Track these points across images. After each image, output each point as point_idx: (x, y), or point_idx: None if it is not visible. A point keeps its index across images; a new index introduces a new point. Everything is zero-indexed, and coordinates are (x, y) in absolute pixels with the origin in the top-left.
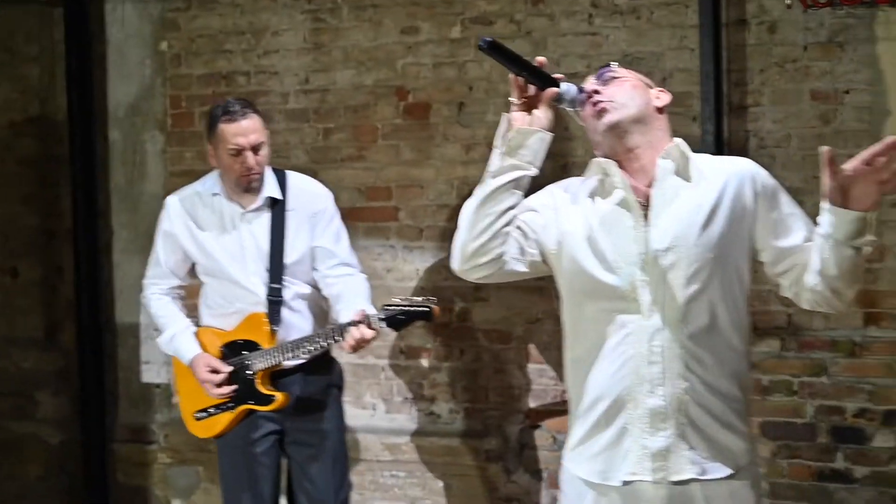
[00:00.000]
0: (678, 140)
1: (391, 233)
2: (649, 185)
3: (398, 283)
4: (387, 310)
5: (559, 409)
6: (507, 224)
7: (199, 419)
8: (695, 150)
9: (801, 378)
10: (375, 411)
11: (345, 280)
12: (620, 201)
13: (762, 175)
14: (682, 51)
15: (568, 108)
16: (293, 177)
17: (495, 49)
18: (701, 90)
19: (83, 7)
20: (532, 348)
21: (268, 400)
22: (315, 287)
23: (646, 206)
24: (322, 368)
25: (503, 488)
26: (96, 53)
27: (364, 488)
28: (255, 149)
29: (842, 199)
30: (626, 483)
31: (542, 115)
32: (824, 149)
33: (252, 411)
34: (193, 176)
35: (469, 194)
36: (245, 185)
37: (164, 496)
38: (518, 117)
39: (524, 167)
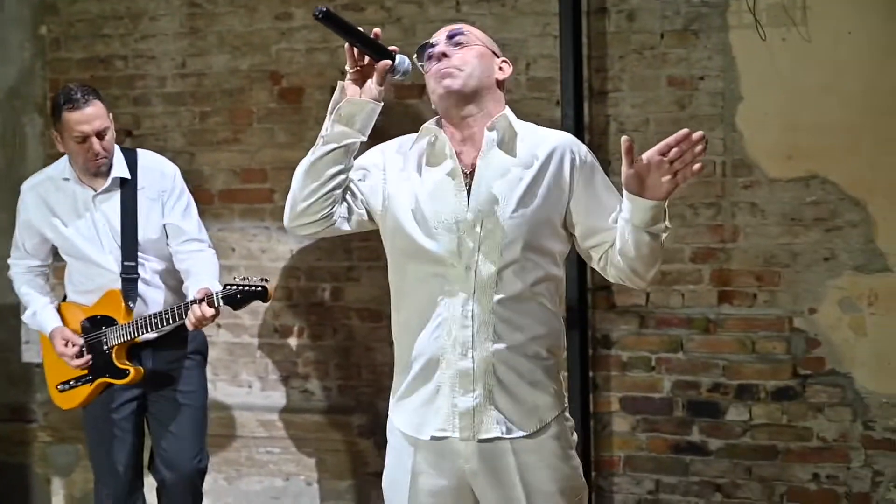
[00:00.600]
0: (507, 111)
1: (266, 214)
2: (476, 156)
3: (272, 263)
4: (226, 289)
5: None
6: (337, 188)
7: (61, 391)
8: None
9: (659, 354)
10: (251, 389)
11: (194, 256)
12: (445, 167)
13: (583, 151)
14: (546, 37)
15: (400, 79)
16: (143, 155)
17: (329, 19)
18: (561, 76)
19: None
20: None
21: (122, 374)
22: (171, 262)
23: (470, 175)
24: (178, 340)
25: (373, 463)
26: None
27: (240, 464)
28: (100, 134)
29: (638, 187)
30: (435, 438)
31: (373, 86)
32: (624, 138)
33: (110, 384)
34: None
35: None
36: (93, 169)
37: (44, 474)
38: (351, 86)
39: (353, 135)
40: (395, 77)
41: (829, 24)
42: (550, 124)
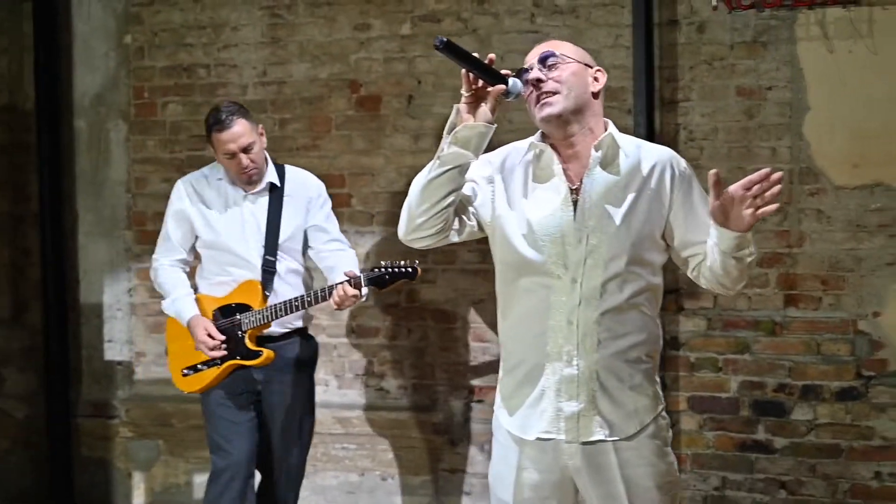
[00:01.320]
0: (611, 129)
1: (344, 218)
2: (581, 171)
3: None
4: (372, 271)
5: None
6: (451, 205)
7: (185, 375)
8: None
9: (726, 355)
10: (328, 387)
11: (337, 254)
12: (553, 184)
13: (682, 165)
14: (618, 48)
15: (513, 100)
16: (291, 170)
17: (449, 48)
18: (634, 85)
19: (52, 2)
20: (476, 328)
21: (255, 355)
22: (304, 266)
23: (576, 190)
24: (301, 341)
25: (448, 459)
26: (63, 45)
27: (317, 460)
28: (246, 149)
29: (723, 219)
30: (540, 439)
31: (487, 109)
32: (712, 172)
33: (239, 368)
34: (156, 163)
35: None
36: (245, 180)
37: (126, 468)
38: (465, 109)
39: (468, 157)
40: (508, 99)
41: (894, 37)
42: (623, 132)
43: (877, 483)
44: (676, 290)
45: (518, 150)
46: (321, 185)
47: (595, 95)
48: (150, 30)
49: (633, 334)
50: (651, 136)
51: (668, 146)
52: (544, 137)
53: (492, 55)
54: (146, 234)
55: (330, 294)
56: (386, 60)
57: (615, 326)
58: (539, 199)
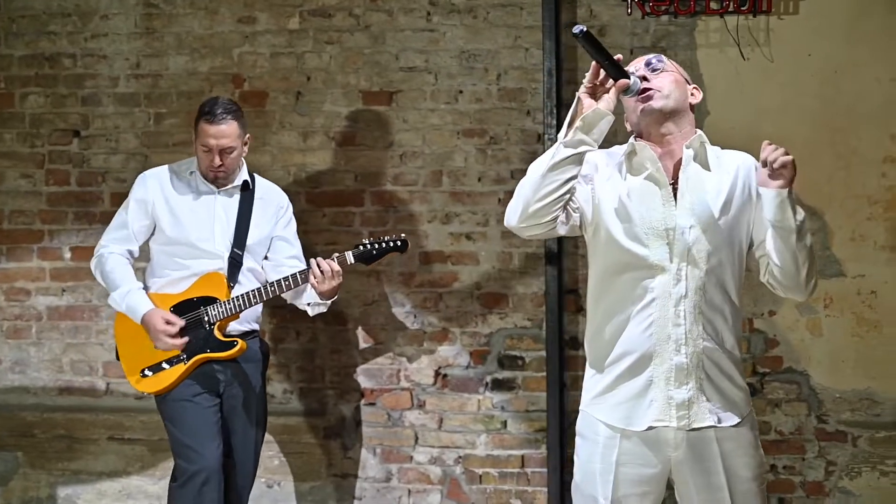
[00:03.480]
0: (700, 132)
1: None
2: (675, 169)
3: None
4: (357, 249)
5: (393, 386)
6: (568, 192)
7: (146, 376)
8: (541, 144)
9: None
10: None
11: (294, 271)
12: (653, 180)
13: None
14: (517, 49)
15: (629, 96)
16: (260, 179)
17: (587, 39)
18: (544, 87)
19: None
20: (369, 329)
21: (228, 346)
22: (261, 270)
23: (672, 186)
24: (260, 341)
25: (338, 465)
26: None
27: None
28: (224, 151)
29: (765, 184)
30: (651, 427)
31: (610, 100)
32: (765, 142)
33: (206, 362)
34: (14, 158)
35: (306, 180)
36: (210, 177)
37: None
38: (587, 98)
39: (589, 143)
40: (627, 95)
41: (790, 46)
42: (522, 134)
43: (772, 475)
44: (575, 290)
45: (612, 154)
46: (288, 199)
47: (691, 108)
48: (8, 16)
49: (731, 326)
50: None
51: None
52: (638, 140)
53: (619, 55)
54: (3, 233)
55: (305, 279)
56: (273, 55)
57: (716, 318)
58: (639, 194)
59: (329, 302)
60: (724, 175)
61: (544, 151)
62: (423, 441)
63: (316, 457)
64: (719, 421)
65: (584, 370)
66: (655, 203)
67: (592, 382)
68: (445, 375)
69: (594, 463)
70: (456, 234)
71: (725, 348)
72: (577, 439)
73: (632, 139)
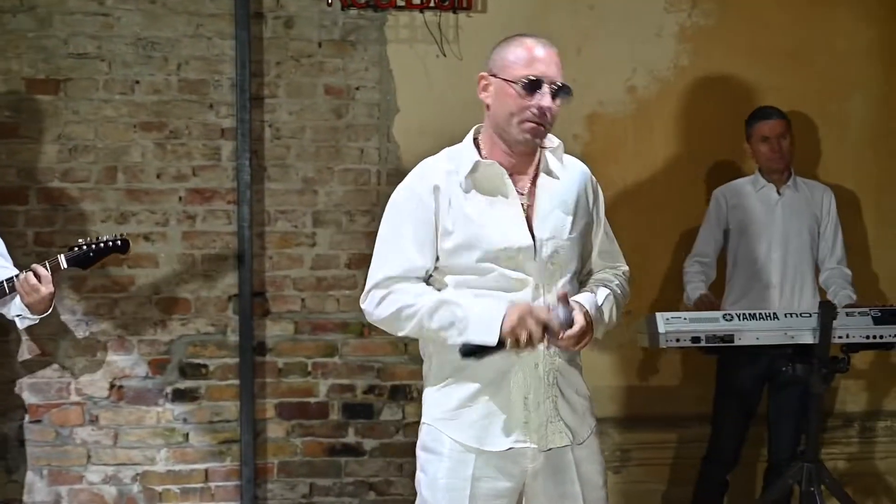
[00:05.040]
0: (555, 139)
1: None
2: (526, 183)
3: None
4: (71, 251)
5: (63, 401)
6: None
7: None
8: (225, 140)
9: (315, 359)
10: None
11: None
12: (503, 197)
13: (594, 181)
14: (199, 38)
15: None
16: None
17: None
18: (237, 80)
19: None
20: (34, 339)
21: None
22: None
23: (523, 196)
24: None
25: (2, 489)
26: None
27: None
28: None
29: None
30: (510, 449)
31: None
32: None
33: None
34: None
35: None
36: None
37: None
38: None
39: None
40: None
41: (477, 43)
42: (204, 128)
43: None
44: (262, 293)
45: (439, 170)
46: None
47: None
48: None
49: None
50: (246, 134)
51: (254, 143)
52: (477, 147)
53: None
54: None
55: (11, 288)
56: None
57: None
58: (491, 213)
59: (38, 318)
60: (569, 184)
61: (234, 147)
62: (96, 459)
63: None
64: (573, 439)
65: (270, 377)
66: (510, 221)
67: (438, 400)
68: (121, 387)
69: (450, 478)
70: (133, 235)
71: (574, 361)
72: (422, 454)
73: (467, 152)
